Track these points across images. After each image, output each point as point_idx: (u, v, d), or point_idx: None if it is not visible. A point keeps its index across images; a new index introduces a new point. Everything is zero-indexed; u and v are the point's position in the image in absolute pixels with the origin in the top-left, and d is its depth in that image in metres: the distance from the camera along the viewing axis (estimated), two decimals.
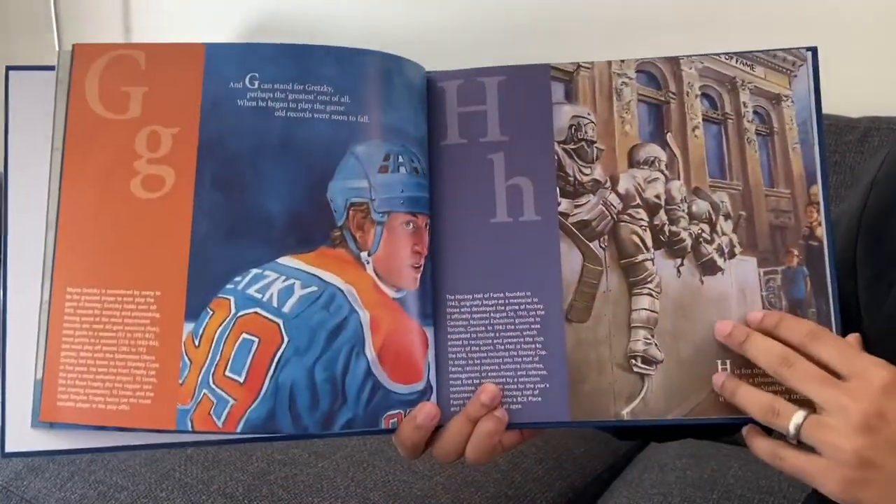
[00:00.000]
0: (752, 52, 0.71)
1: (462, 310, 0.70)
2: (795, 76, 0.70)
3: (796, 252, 0.68)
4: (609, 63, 0.72)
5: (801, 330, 0.62)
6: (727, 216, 0.70)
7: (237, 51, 0.69)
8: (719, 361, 0.66)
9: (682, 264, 0.69)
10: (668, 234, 0.69)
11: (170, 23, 2.10)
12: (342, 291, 0.67)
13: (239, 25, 1.98)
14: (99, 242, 0.67)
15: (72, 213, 0.68)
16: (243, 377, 0.65)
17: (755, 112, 0.71)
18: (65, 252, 0.67)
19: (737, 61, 0.71)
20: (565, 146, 0.71)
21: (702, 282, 0.69)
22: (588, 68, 0.72)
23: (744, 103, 0.71)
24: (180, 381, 0.65)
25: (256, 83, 0.68)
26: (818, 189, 0.69)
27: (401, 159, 0.69)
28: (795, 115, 0.70)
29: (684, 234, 0.69)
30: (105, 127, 0.68)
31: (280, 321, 0.66)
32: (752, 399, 0.63)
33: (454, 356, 0.70)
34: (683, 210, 0.70)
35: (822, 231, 0.68)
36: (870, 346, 0.63)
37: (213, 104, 0.68)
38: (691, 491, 0.94)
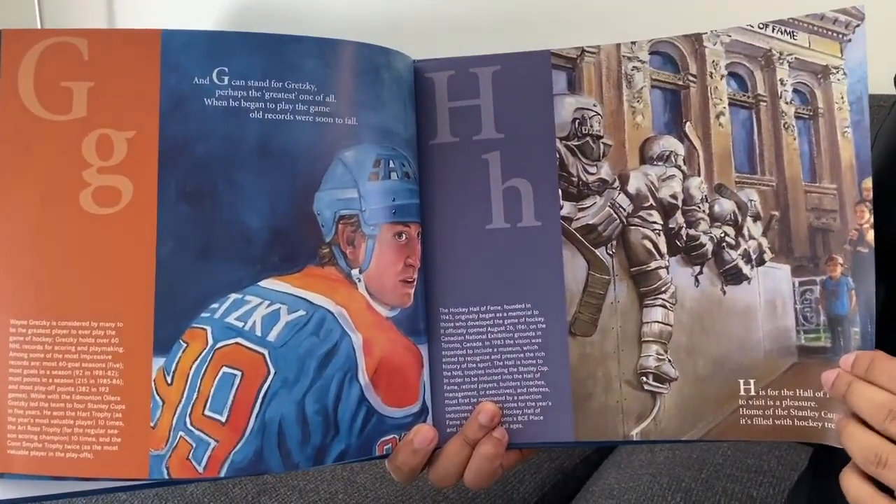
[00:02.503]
0: (792, 17, 0.59)
1: (457, 324, 0.63)
2: (849, 40, 0.57)
3: (840, 260, 0.57)
4: (618, 46, 0.62)
5: None
6: (756, 217, 0.60)
7: (200, 40, 0.57)
8: (741, 380, 0.60)
9: (700, 272, 0.61)
10: (685, 238, 0.62)
11: (156, 18, 1.91)
12: (332, 314, 0.59)
13: (234, 18, 1.80)
14: (45, 267, 0.56)
15: (9, 232, 0.56)
16: (225, 416, 0.56)
17: (795, 91, 0.59)
18: (4, 278, 0.56)
19: (773, 30, 0.59)
20: (568, 143, 0.62)
21: (724, 292, 0.61)
22: (593, 53, 0.63)
23: (781, 81, 0.59)
24: (152, 424, 0.56)
25: (226, 79, 0.57)
26: (871, 183, 0.56)
27: (392, 164, 0.60)
28: (847, 91, 0.57)
29: (704, 239, 0.61)
30: (45, 129, 0.56)
31: (265, 351, 0.57)
32: (855, 438, 0.52)
33: (449, 374, 0.62)
34: (704, 211, 0.61)
35: (873, 235, 0.56)
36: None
37: (174, 103, 0.57)
38: (680, 471, 0.91)
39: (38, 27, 1.97)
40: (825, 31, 0.59)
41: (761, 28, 0.60)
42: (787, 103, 0.60)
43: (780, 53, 0.60)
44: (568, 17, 1.46)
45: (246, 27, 1.73)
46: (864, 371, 0.53)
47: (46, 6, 2.00)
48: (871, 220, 0.56)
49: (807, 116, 0.60)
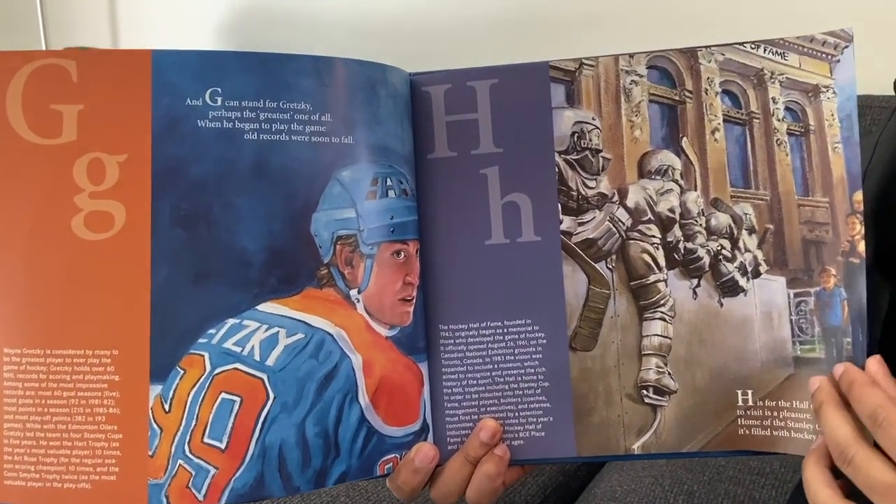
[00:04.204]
0: (783, 38, 0.60)
1: (457, 341, 0.62)
2: (838, 61, 0.58)
3: (833, 271, 0.58)
4: (616, 59, 0.62)
5: (864, 407, 0.51)
6: (751, 230, 0.60)
7: (193, 60, 0.55)
8: (739, 391, 0.60)
9: (698, 285, 0.61)
10: (683, 251, 0.61)
11: (158, 20, 1.88)
12: (332, 336, 0.58)
13: (234, 23, 1.77)
14: (37, 294, 0.55)
15: (1, 259, 0.55)
16: (225, 443, 0.56)
17: (787, 108, 0.60)
18: None
19: (765, 50, 0.60)
20: (567, 157, 0.62)
21: (721, 304, 0.61)
22: (592, 66, 0.62)
23: (773, 99, 0.60)
24: (150, 453, 0.55)
25: (219, 99, 0.55)
26: (862, 196, 0.57)
27: (389, 182, 0.59)
28: (837, 109, 0.58)
29: (701, 252, 0.61)
30: (34, 154, 0.55)
31: (264, 376, 0.56)
32: (830, 428, 0.52)
33: (450, 391, 0.62)
34: (701, 224, 0.61)
35: (864, 246, 0.57)
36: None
37: (166, 125, 0.55)
38: (682, 473, 0.91)
39: (41, 33, 1.93)
40: (815, 53, 0.59)
41: (753, 48, 0.60)
42: (779, 120, 0.60)
43: (772, 73, 0.60)
44: (567, 24, 1.45)
45: (246, 34, 1.72)
46: (844, 390, 0.53)
47: (50, 17, 1.97)
48: (862, 231, 0.57)
49: (799, 133, 0.60)
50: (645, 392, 0.61)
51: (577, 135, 0.61)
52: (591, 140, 0.61)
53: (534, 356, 0.61)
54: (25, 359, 0.54)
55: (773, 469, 0.89)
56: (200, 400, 0.55)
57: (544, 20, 1.46)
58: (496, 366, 0.62)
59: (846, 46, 0.58)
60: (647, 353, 0.61)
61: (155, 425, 0.55)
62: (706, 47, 0.61)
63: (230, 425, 0.55)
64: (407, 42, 1.57)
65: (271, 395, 0.56)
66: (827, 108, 0.59)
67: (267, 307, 0.56)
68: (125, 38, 1.95)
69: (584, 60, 0.62)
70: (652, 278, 0.61)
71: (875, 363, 0.53)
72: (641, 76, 0.61)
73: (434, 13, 1.56)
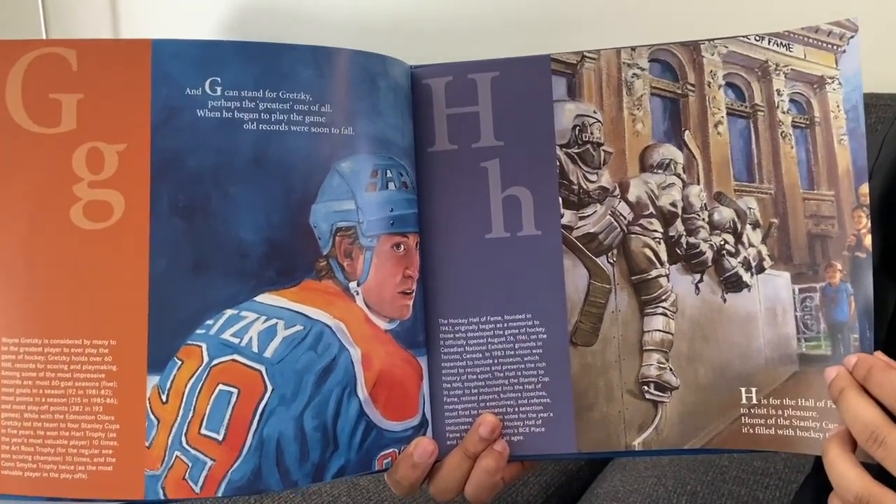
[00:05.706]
0: (788, 30, 0.59)
1: (457, 335, 0.62)
2: (844, 51, 0.57)
3: (839, 266, 0.57)
4: (618, 52, 0.61)
5: (890, 390, 0.50)
6: (755, 225, 0.59)
7: (192, 49, 0.55)
8: (743, 389, 0.60)
9: (701, 280, 0.60)
10: (685, 246, 0.61)
11: (159, 16, 1.89)
12: (330, 328, 0.57)
13: (235, 19, 1.78)
14: (36, 284, 0.55)
15: None
16: (222, 434, 0.55)
17: (792, 100, 0.59)
18: None
19: (769, 42, 0.59)
20: (568, 150, 0.61)
21: (724, 300, 0.60)
22: (593, 59, 0.62)
23: (777, 91, 0.59)
24: (147, 444, 0.55)
25: (219, 89, 0.55)
26: (868, 189, 0.56)
27: (389, 174, 0.59)
28: (843, 100, 0.57)
29: (704, 247, 0.61)
30: (33, 143, 0.55)
31: (262, 368, 0.56)
32: (851, 409, 0.51)
33: (449, 385, 0.61)
34: (703, 219, 0.60)
35: (871, 240, 0.55)
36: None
37: (165, 115, 0.55)
38: (686, 473, 0.91)
39: (42, 29, 1.94)
40: (820, 43, 0.58)
41: (757, 40, 0.60)
42: (784, 113, 0.60)
43: (777, 65, 0.60)
44: (568, 18, 1.45)
45: (247, 29, 1.72)
46: (861, 377, 0.52)
47: (51, 12, 1.97)
48: (869, 224, 0.56)
49: (804, 125, 0.59)
50: (646, 388, 0.61)
51: (578, 128, 0.61)
52: (592, 133, 0.61)
53: (534, 351, 0.61)
54: (23, 348, 0.54)
55: (776, 469, 0.89)
56: (198, 391, 0.55)
57: (547, 15, 1.46)
58: (496, 360, 0.61)
59: (852, 37, 0.57)
60: (648, 348, 0.61)
61: (152, 416, 0.55)
62: (709, 40, 0.61)
63: (227, 417, 0.55)
64: (409, 37, 1.57)
65: (269, 387, 0.56)
66: (832, 99, 0.58)
67: (265, 298, 0.56)
68: (126, 34, 1.96)
69: (585, 53, 0.61)
70: (653, 273, 0.61)
71: (882, 355, 0.53)
72: (643, 69, 0.61)
73: (437, 8, 1.57)
